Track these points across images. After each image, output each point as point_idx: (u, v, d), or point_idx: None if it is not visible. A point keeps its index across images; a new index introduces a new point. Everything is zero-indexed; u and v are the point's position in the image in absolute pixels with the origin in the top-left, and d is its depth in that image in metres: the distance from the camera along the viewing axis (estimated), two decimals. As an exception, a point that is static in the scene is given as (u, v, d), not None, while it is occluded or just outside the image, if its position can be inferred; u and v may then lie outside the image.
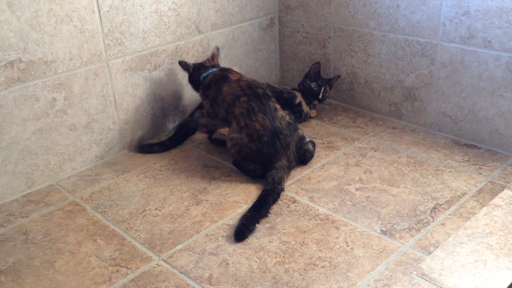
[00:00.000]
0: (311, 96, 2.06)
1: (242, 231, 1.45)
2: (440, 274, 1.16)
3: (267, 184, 1.61)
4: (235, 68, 1.91)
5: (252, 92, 1.70)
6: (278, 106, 1.72)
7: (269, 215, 1.53)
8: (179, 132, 1.97)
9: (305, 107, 2.07)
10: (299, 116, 2.06)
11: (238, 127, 1.68)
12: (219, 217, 1.53)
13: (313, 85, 2.04)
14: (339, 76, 2.13)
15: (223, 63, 2.16)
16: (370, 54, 2.06)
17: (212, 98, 1.78)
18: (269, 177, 1.63)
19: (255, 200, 1.56)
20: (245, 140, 1.66)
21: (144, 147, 1.91)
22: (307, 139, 1.83)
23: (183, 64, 1.89)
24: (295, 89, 2.09)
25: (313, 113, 2.11)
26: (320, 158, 1.83)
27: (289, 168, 1.71)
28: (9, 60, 1.55)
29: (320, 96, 2.05)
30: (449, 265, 1.18)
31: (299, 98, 2.05)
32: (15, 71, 1.57)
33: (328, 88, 2.07)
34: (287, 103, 2.01)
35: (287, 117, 1.72)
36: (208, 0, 2.01)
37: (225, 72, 1.81)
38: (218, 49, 1.92)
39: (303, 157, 1.77)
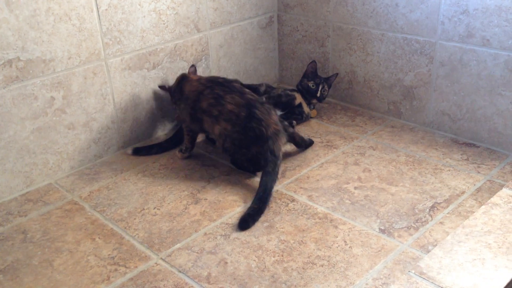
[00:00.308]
0: (309, 96, 2.06)
1: (246, 220, 1.48)
2: (438, 272, 1.16)
3: (266, 162, 1.60)
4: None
5: (213, 82, 1.72)
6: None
7: (269, 207, 1.53)
8: (178, 134, 1.96)
9: (305, 108, 2.06)
10: (300, 118, 2.05)
11: (212, 120, 1.67)
12: (218, 216, 1.53)
13: (310, 84, 2.04)
14: (337, 74, 2.13)
15: (223, 62, 2.16)
16: (369, 52, 2.06)
17: (178, 99, 1.80)
18: (267, 150, 1.61)
19: (258, 189, 1.57)
20: (229, 128, 1.65)
21: (142, 150, 1.90)
22: (306, 137, 1.84)
23: (162, 87, 1.94)
24: (294, 90, 2.09)
25: (313, 113, 2.11)
26: (319, 157, 1.83)
27: (283, 133, 1.69)
28: (8, 59, 1.55)
29: (318, 95, 2.05)
30: (448, 263, 1.18)
31: (298, 99, 2.05)
32: (13, 70, 1.57)
33: (326, 86, 2.07)
34: (287, 105, 2.01)
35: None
36: (207, -2, 2.02)
37: (184, 74, 1.85)
38: (193, 66, 1.91)
39: (292, 139, 1.78)
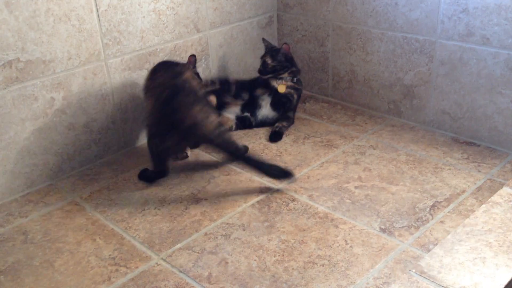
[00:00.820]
0: (267, 73, 2.03)
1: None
2: (439, 271, 1.16)
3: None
4: None
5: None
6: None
7: (269, 207, 1.53)
8: None
9: (283, 89, 2.01)
10: (287, 102, 2.02)
11: (149, 95, 1.67)
12: (218, 216, 1.54)
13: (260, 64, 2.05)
14: (284, 43, 2.05)
15: (222, 62, 2.16)
16: (369, 52, 2.06)
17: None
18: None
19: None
20: (152, 103, 1.61)
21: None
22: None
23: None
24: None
25: (280, 88, 2.02)
26: (319, 156, 1.83)
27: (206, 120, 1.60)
28: (7, 60, 1.55)
29: (261, 68, 2.02)
30: (448, 262, 1.18)
31: (272, 83, 2.03)
32: (13, 71, 1.57)
33: (269, 58, 2.01)
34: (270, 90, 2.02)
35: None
36: (207, -2, 2.02)
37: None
38: (193, 56, 1.87)
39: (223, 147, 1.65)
